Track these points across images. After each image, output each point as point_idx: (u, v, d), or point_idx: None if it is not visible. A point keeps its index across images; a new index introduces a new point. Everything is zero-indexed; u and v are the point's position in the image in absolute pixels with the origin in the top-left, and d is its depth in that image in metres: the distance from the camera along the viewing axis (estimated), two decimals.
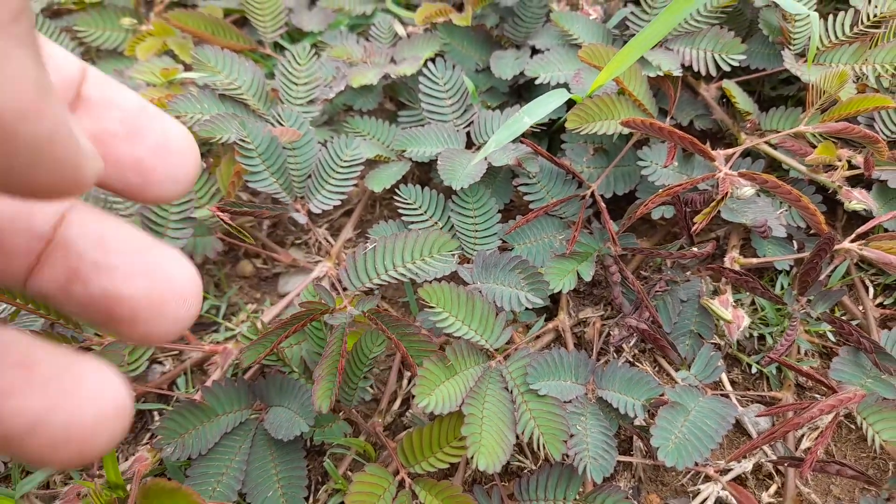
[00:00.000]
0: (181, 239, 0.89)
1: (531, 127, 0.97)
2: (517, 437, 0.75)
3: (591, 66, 0.91)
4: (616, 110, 0.91)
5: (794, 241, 0.93)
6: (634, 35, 1.01)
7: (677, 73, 0.94)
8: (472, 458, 0.71)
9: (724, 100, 1.03)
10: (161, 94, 1.02)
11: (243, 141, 0.90)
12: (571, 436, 0.74)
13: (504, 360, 0.79)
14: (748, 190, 0.86)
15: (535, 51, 1.06)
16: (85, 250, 0.34)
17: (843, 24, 0.98)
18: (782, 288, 0.93)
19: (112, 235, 0.34)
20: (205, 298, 1.01)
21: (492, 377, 0.78)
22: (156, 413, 0.91)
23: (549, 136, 1.09)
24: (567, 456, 0.75)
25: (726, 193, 0.77)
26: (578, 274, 0.87)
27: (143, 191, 0.36)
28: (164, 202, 0.37)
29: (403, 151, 0.98)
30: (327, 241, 1.05)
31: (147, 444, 0.89)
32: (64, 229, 0.35)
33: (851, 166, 0.90)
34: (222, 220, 0.87)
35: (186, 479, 0.77)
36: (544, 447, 0.72)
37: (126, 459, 0.83)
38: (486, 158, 0.93)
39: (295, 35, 1.30)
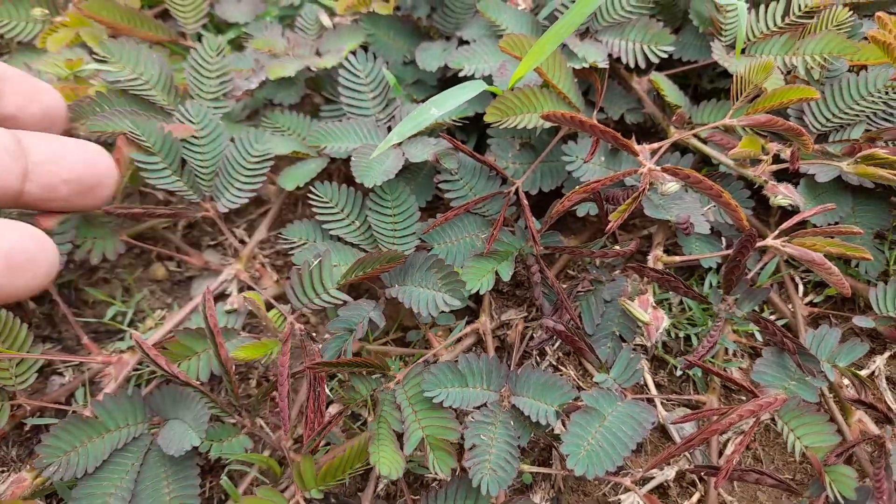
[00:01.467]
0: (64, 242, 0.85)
1: (454, 121, 0.93)
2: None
3: (513, 56, 0.87)
4: (539, 103, 0.87)
5: (722, 238, 0.89)
6: None
7: (603, 64, 0.90)
8: (376, 467, 0.67)
9: (657, 93, 1.00)
10: (71, 87, 0.97)
11: (135, 137, 0.85)
12: (474, 446, 0.70)
13: (402, 378, 0.76)
14: (673, 185, 0.83)
15: (462, 42, 1.02)
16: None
17: (774, 15, 0.95)
18: (711, 286, 0.90)
19: None
20: (110, 304, 0.96)
21: (387, 398, 0.74)
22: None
23: (478, 130, 1.05)
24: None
25: (643, 190, 0.73)
26: (498, 274, 0.83)
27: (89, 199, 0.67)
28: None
29: (320, 147, 0.93)
30: (242, 242, 1.00)
31: None
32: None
33: (780, 160, 0.87)
34: (124, 214, 0.83)
35: (71, 501, 0.71)
36: (435, 464, 0.68)
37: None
38: (403, 154, 0.88)
39: (221, 27, 1.24)
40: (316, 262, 0.77)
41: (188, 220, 1.04)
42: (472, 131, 1.06)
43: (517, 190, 0.89)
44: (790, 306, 0.88)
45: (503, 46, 0.87)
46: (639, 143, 1.06)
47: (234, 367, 0.80)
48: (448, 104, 0.78)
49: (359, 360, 0.72)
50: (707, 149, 0.89)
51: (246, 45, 1.16)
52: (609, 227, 0.74)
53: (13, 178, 0.64)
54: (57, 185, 0.68)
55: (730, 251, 0.85)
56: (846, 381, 0.80)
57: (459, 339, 0.86)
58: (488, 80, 0.95)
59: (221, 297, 0.95)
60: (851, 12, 0.93)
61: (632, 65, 0.95)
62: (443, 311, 0.79)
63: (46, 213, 0.76)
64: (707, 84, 1.08)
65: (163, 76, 0.98)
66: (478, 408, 0.72)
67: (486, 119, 0.85)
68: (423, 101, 1.03)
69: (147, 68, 0.97)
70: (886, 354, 0.84)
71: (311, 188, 0.89)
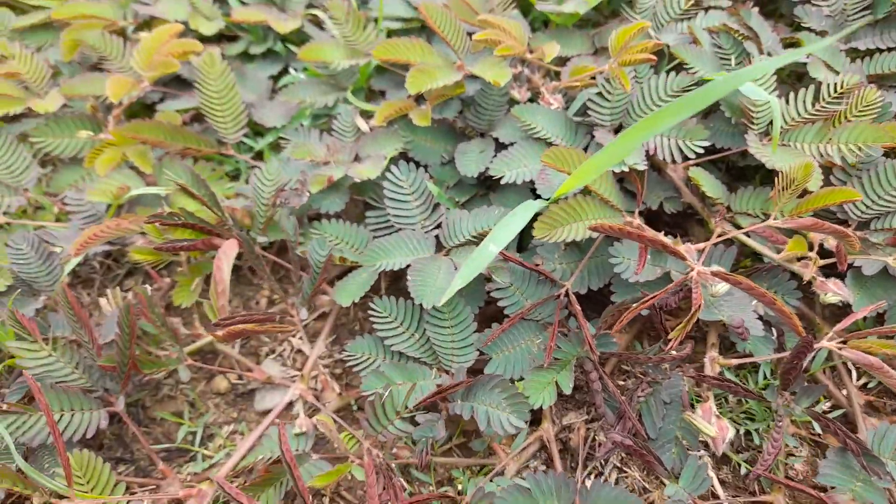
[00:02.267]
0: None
1: None
2: None
3: (556, 169, 0.90)
4: (584, 212, 0.90)
5: (772, 329, 0.91)
6: (596, 122, 1.01)
7: (643, 167, 0.93)
8: None
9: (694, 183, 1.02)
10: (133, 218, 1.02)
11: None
12: None
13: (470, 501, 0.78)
14: (722, 287, 0.85)
15: (498, 143, 1.05)
16: None
17: (804, 102, 0.97)
18: (765, 377, 0.92)
19: None
20: (180, 424, 0.99)
21: None
22: None
23: None
24: None
25: (697, 309, 0.76)
26: (558, 385, 0.85)
27: None
28: None
29: (375, 266, 0.96)
30: (300, 351, 1.03)
31: None
32: None
33: (824, 251, 0.89)
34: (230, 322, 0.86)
35: None
36: None
37: None
38: (456, 269, 0.91)
39: (260, 130, 1.28)
40: (387, 394, 0.80)
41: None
42: None
43: (567, 292, 0.92)
44: (844, 392, 0.90)
45: (546, 161, 0.89)
46: (678, 227, 1.09)
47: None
48: (505, 237, 0.81)
49: (433, 495, 0.74)
50: (752, 243, 0.91)
51: (284, 146, 1.19)
52: (672, 343, 0.77)
53: None
54: None
55: (783, 353, 0.87)
56: None
57: (523, 448, 0.89)
58: (530, 185, 0.98)
59: (288, 407, 0.97)
60: (879, 93, 0.95)
61: (668, 160, 0.97)
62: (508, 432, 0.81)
63: None
64: (739, 160, 1.10)
65: (211, 195, 1.01)
66: None
67: (536, 235, 0.88)
68: (465, 202, 1.06)
69: (197, 188, 1.01)
70: None
71: (371, 304, 0.92)
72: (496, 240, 0.80)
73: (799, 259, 0.88)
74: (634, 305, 0.78)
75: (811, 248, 0.87)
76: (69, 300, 0.90)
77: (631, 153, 0.80)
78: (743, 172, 1.12)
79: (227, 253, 0.87)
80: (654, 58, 0.94)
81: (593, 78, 1.04)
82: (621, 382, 0.96)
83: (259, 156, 1.26)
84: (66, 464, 0.77)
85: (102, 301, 1.02)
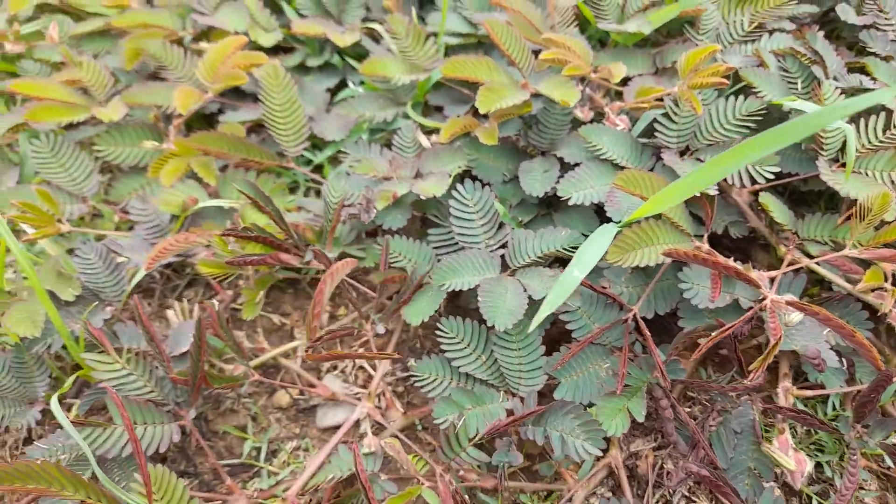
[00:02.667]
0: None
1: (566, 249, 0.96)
2: None
3: (628, 192, 0.90)
4: (656, 236, 0.90)
5: (842, 359, 0.91)
6: (662, 144, 1.01)
7: (713, 192, 0.93)
8: None
9: (758, 203, 1.02)
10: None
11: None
12: None
13: None
14: (796, 316, 0.85)
15: (563, 163, 1.05)
16: None
17: (875, 129, 0.97)
18: (834, 408, 0.92)
19: None
20: (243, 439, 1.00)
21: None
22: None
23: None
24: None
25: (780, 338, 0.76)
26: (630, 412, 0.85)
27: None
28: None
29: (444, 284, 0.96)
30: (362, 368, 1.03)
31: None
32: None
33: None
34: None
35: None
36: None
37: None
38: (525, 291, 0.92)
39: (318, 143, 1.29)
40: (461, 424, 0.81)
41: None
42: None
43: (635, 316, 0.92)
44: None
45: (619, 184, 0.90)
46: (740, 251, 1.09)
47: None
48: (588, 262, 0.81)
49: None
50: (823, 271, 0.91)
51: (342, 160, 1.20)
52: (752, 375, 0.77)
53: None
54: None
55: (859, 386, 0.87)
56: None
57: (592, 474, 0.89)
58: (593, 206, 0.99)
59: (355, 426, 0.98)
60: None
61: (738, 185, 0.97)
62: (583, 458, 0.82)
63: None
64: (801, 185, 1.10)
65: (276, 210, 1.02)
66: None
67: (609, 259, 0.88)
68: (529, 222, 1.07)
69: (263, 202, 1.02)
70: None
71: (438, 324, 0.93)
72: (580, 265, 0.80)
73: (872, 290, 0.88)
74: (714, 334, 0.78)
75: (885, 279, 0.87)
76: (141, 315, 0.91)
77: (714, 182, 0.80)
78: (804, 198, 1.11)
79: (334, 274, 0.87)
80: (726, 81, 0.94)
81: (659, 99, 1.04)
82: (687, 409, 0.96)
83: (317, 169, 1.26)
84: (146, 479, 0.78)
85: (170, 313, 1.03)
